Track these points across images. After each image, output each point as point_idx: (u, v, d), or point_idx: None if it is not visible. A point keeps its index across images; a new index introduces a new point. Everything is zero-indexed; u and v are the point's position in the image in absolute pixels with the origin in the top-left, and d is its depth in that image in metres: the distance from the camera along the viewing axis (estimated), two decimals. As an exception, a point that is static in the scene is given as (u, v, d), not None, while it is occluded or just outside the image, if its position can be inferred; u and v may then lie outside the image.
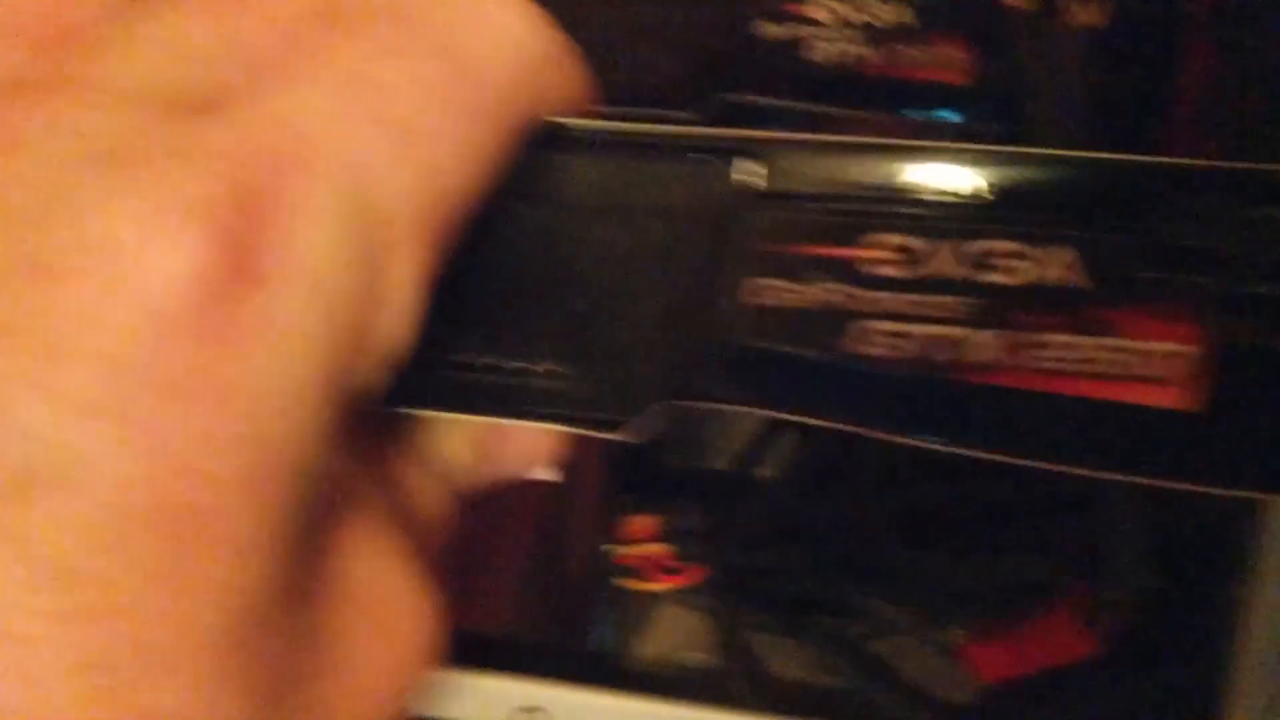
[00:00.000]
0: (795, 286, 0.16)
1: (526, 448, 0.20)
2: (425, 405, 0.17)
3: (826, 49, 0.30)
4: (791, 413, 0.17)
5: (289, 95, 0.13)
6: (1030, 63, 0.27)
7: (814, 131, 0.25)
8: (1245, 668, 0.27)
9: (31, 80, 0.13)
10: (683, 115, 0.32)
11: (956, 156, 0.16)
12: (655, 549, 0.32)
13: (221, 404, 0.12)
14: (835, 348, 0.16)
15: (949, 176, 0.16)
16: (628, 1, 0.31)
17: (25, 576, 0.11)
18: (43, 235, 0.12)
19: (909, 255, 0.16)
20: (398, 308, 0.14)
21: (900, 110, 0.30)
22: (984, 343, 0.16)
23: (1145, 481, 0.16)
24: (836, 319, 0.16)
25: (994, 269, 0.16)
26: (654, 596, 0.33)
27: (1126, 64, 0.28)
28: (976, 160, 0.16)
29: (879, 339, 0.16)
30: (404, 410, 0.17)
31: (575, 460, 0.18)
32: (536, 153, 0.17)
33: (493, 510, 0.24)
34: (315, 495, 0.13)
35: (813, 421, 0.17)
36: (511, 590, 0.33)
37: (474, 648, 0.33)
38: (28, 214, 0.12)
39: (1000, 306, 0.15)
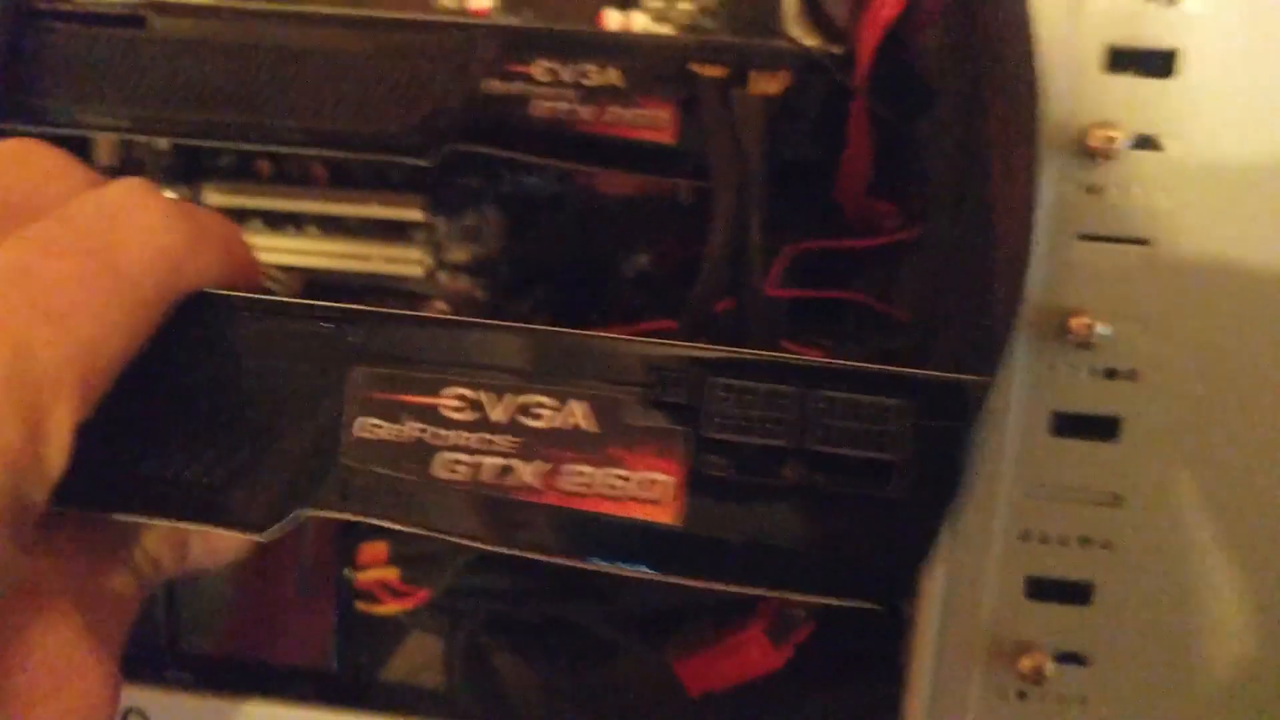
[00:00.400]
0: (395, 425, 0.21)
1: (215, 545, 0.25)
2: (116, 509, 0.22)
3: (545, 105, 0.33)
4: (394, 523, 0.21)
5: None
6: (719, 126, 0.30)
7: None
8: (916, 676, 0.30)
9: None
10: (420, 163, 0.34)
11: (505, 333, 0.22)
12: (385, 573, 0.33)
13: None
14: (424, 474, 0.21)
15: (499, 347, 0.21)
16: (369, 56, 0.33)
17: None
18: None
19: (474, 405, 0.21)
20: (57, 446, 0.18)
21: (610, 165, 0.33)
22: (525, 471, 0.21)
23: (646, 576, 0.21)
24: (424, 451, 0.21)
25: (531, 416, 0.21)
26: (394, 620, 0.35)
27: (800, 130, 0.31)
28: (518, 335, 0.21)
29: (455, 467, 0.21)
30: (96, 512, 0.21)
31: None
32: (198, 312, 0.22)
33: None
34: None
35: (407, 529, 0.22)
36: (258, 616, 0.34)
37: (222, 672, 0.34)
38: None
39: (536, 444, 0.21)
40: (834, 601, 0.21)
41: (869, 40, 0.29)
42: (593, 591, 0.33)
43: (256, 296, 0.22)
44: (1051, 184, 0.28)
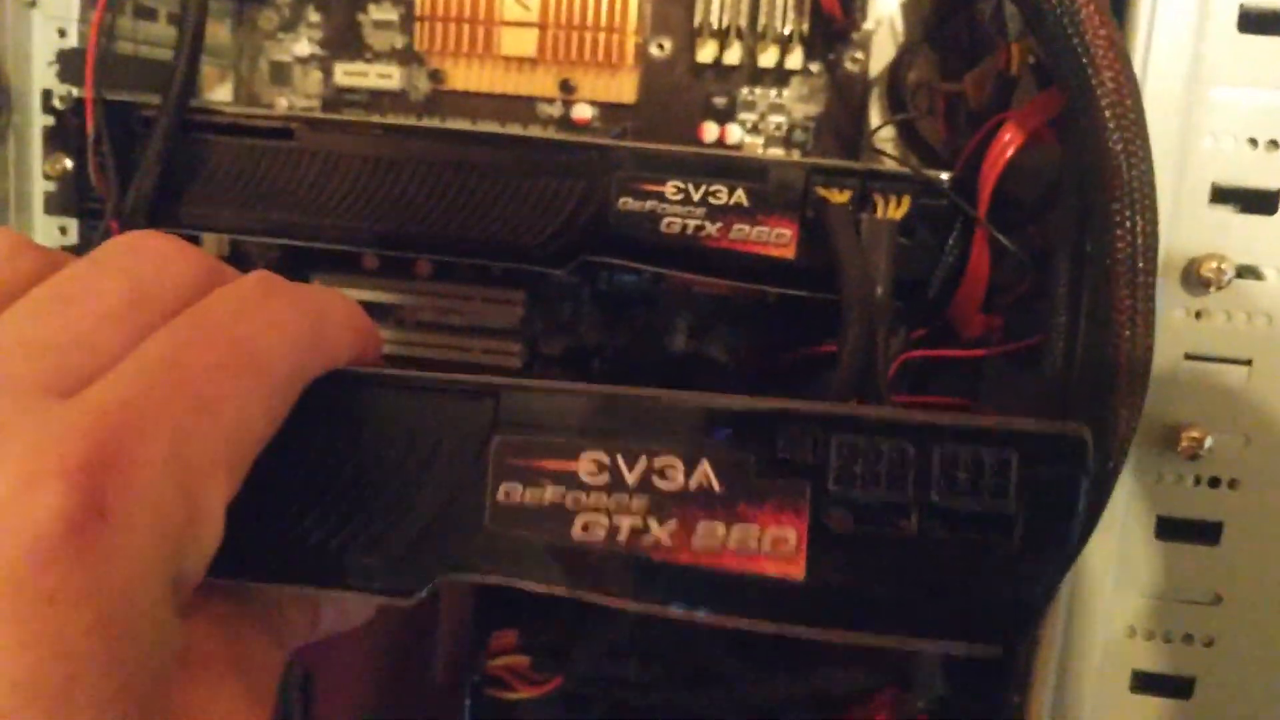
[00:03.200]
0: (535, 490, 0.22)
1: (346, 611, 0.26)
2: (268, 578, 0.23)
3: (674, 222, 0.35)
4: (537, 584, 0.22)
5: (122, 379, 0.19)
6: (848, 247, 0.32)
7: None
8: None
9: None
10: (554, 272, 0.36)
11: (636, 399, 0.23)
12: (515, 660, 0.35)
13: (83, 605, 0.17)
14: (565, 535, 0.22)
15: (631, 413, 0.23)
16: (511, 171, 0.35)
17: None
18: None
19: (608, 469, 0.22)
20: (212, 524, 0.19)
21: (733, 278, 0.35)
22: (660, 531, 0.22)
23: (770, 630, 0.22)
24: (564, 514, 0.22)
25: (663, 477, 0.22)
26: (515, 704, 0.36)
27: (924, 250, 0.33)
28: (649, 401, 0.23)
29: (593, 529, 0.22)
30: (248, 581, 0.23)
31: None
32: (339, 389, 0.23)
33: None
34: (162, 657, 0.18)
35: (547, 590, 0.23)
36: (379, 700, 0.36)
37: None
38: None
39: (668, 504, 0.22)
40: (957, 648, 0.22)
41: (991, 173, 0.32)
42: (714, 681, 0.35)
43: (402, 373, 0.23)
44: (1162, 308, 0.30)
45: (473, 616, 0.35)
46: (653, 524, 0.22)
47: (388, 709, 0.35)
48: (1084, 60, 0.28)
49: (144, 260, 0.22)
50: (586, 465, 0.22)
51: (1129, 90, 0.28)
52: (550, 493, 0.22)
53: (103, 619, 0.17)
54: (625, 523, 0.22)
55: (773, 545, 0.22)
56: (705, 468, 0.22)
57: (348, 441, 0.23)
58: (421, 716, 0.35)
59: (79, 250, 0.40)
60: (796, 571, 0.22)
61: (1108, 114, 0.28)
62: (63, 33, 0.38)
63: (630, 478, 0.22)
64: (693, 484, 0.22)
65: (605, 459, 0.22)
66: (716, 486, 0.22)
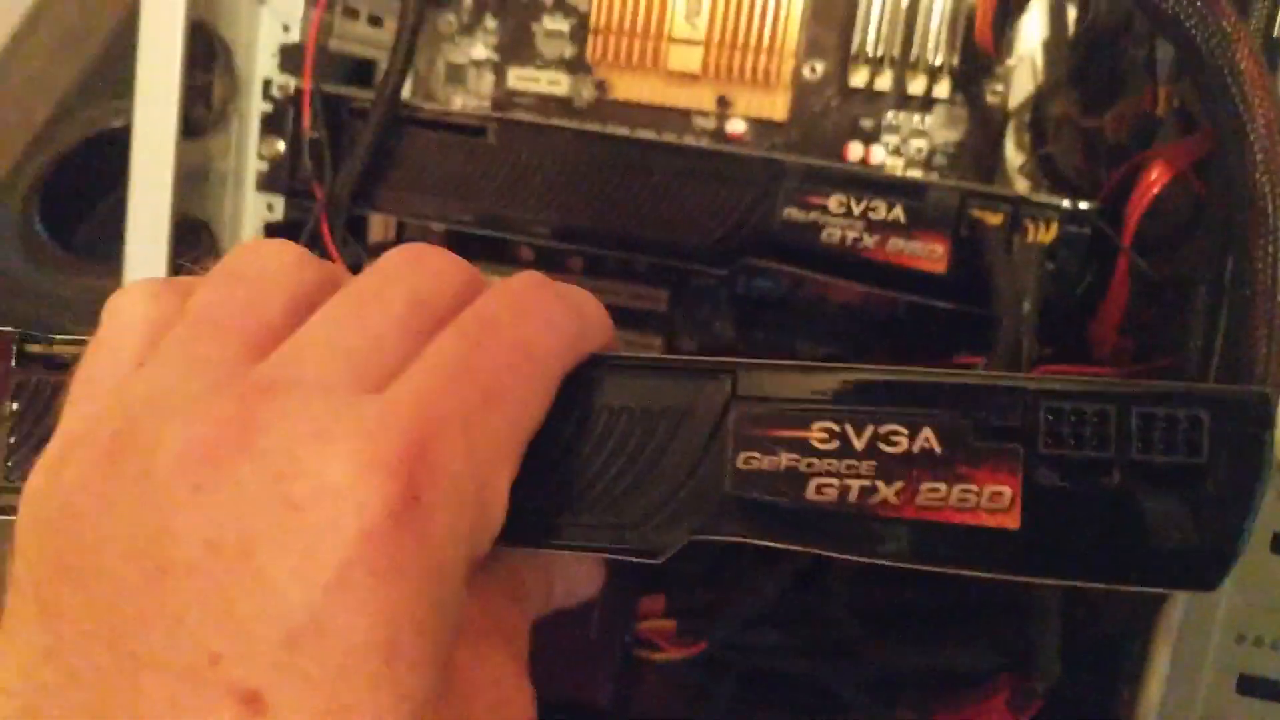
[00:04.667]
0: (771, 457, 0.24)
1: (575, 586, 0.29)
2: (546, 545, 0.25)
3: (835, 233, 0.38)
4: (775, 542, 0.25)
5: (422, 378, 0.21)
6: (1001, 266, 0.35)
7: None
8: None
9: (265, 380, 0.21)
10: (718, 273, 0.39)
11: (863, 373, 0.24)
12: (663, 624, 0.38)
13: (403, 579, 0.19)
14: (799, 498, 0.24)
15: (858, 386, 0.24)
16: (686, 178, 0.39)
17: (300, 692, 0.18)
18: (289, 484, 0.19)
19: (839, 436, 0.24)
20: (499, 504, 0.22)
21: (886, 288, 0.39)
22: (886, 491, 0.24)
23: (989, 577, 0.24)
24: (798, 478, 0.24)
25: (888, 443, 0.24)
26: (661, 665, 0.39)
27: (1066, 273, 0.36)
28: (875, 374, 0.24)
29: (825, 490, 0.24)
30: (527, 548, 0.25)
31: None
32: (594, 373, 0.25)
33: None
34: (457, 626, 0.21)
35: (784, 547, 0.25)
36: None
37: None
38: (280, 471, 0.19)
39: (894, 467, 0.24)
40: (1163, 589, 0.24)
41: (1137, 206, 0.35)
42: (844, 652, 0.38)
43: (651, 356, 0.26)
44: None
45: (629, 579, 0.38)
46: (880, 485, 0.24)
47: (547, 660, 0.39)
48: (1240, 106, 0.31)
49: (421, 271, 0.24)
50: (818, 434, 0.24)
51: (1279, 136, 0.31)
52: (786, 459, 0.24)
53: (419, 590, 0.19)
54: (855, 484, 0.24)
55: (990, 500, 0.23)
56: (927, 433, 0.24)
57: (604, 419, 0.25)
58: (574, 669, 0.38)
59: (283, 227, 0.44)
60: (1012, 523, 0.23)
61: (1258, 156, 0.31)
62: (286, 28, 0.42)
63: (859, 444, 0.24)
64: (916, 448, 0.24)
65: (835, 427, 0.24)
66: (938, 449, 0.24)
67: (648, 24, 0.46)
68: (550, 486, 0.25)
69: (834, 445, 0.24)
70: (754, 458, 0.24)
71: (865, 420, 0.24)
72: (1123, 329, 0.37)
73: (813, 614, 0.38)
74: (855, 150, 0.47)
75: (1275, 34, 0.33)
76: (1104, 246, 0.37)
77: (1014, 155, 0.46)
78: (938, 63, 0.44)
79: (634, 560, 0.25)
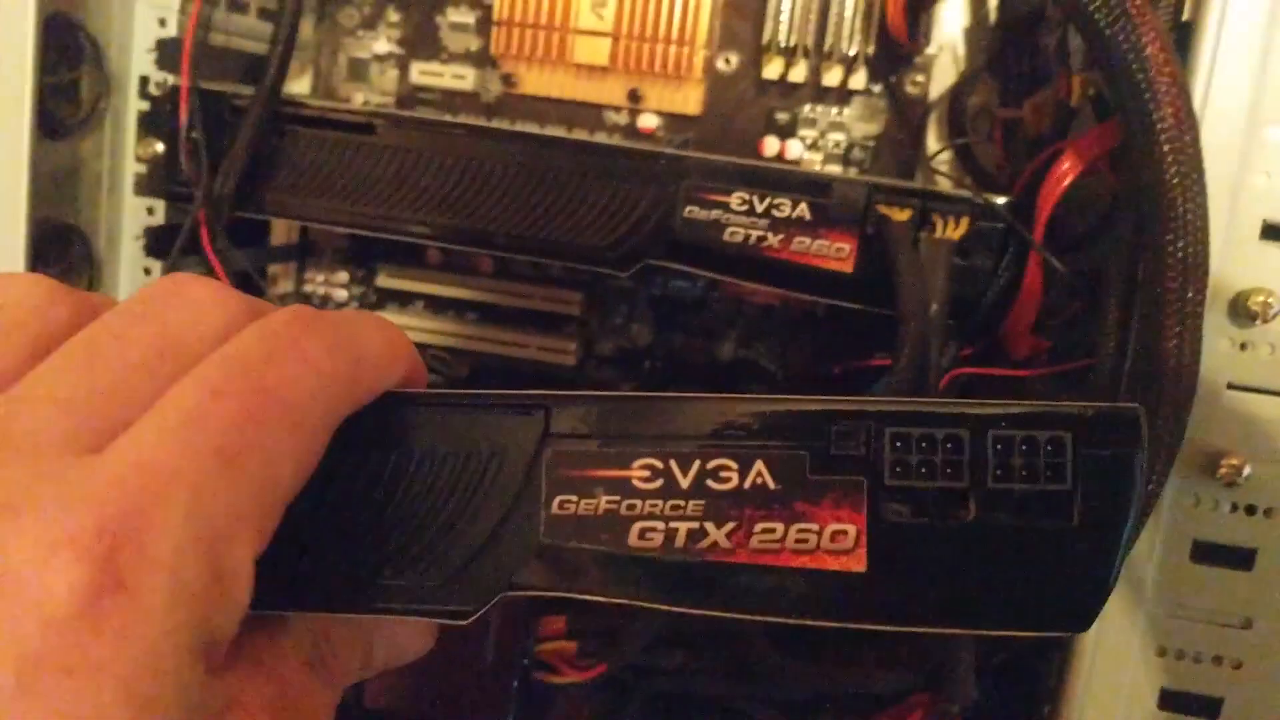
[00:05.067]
0: (589, 500, 0.22)
1: (398, 646, 0.25)
2: (325, 608, 0.22)
3: (738, 232, 0.36)
4: (596, 596, 0.22)
5: (144, 437, 0.18)
6: (908, 264, 0.34)
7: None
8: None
9: None
10: (617, 275, 0.37)
11: (687, 403, 0.22)
12: (563, 645, 0.36)
13: (103, 677, 0.16)
14: (621, 544, 0.22)
15: (682, 417, 0.22)
16: (582, 176, 0.37)
17: None
18: None
19: (662, 474, 0.22)
20: (240, 581, 0.19)
21: (791, 288, 0.37)
22: (716, 533, 0.22)
23: (835, 625, 0.22)
24: (619, 523, 0.22)
25: (717, 479, 0.22)
26: (561, 688, 0.38)
27: (978, 271, 0.35)
28: (699, 404, 0.22)
29: (649, 535, 0.22)
30: (296, 612, 0.22)
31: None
32: (386, 413, 0.22)
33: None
34: (194, 716, 0.18)
35: (607, 601, 0.22)
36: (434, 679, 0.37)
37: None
38: None
39: (724, 506, 0.22)
40: (1027, 634, 0.22)
41: (1048, 200, 0.33)
42: (754, 674, 0.36)
43: (450, 391, 0.23)
44: (1207, 338, 0.31)
45: (524, 601, 0.36)
46: (709, 527, 0.21)
47: (438, 688, 0.37)
48: (1146, 96, 0.29)
49: (176, 306, 0.21)
50: (639, 472, 0.22)
51: (1188, 126, 0.29)
52: (604, 502, 0.22)
53: (125, 689, 0.16)
54: (682, 527, 0.22)
55: (832, 540, 0.21)
56: (760, 467, 0.22)
57: (396, 464, 0.22)
58: (470, 696, 0.36)
59: (165, 231, 0.42)
60: (857, 565, 0.21)
61: (1166, 148, 0.29)
62: (163, 22, 0.40)
63: (684, 482, 0.22)
64: (748, 484, 0.22)
65: (659, 464, 0.22)
66: (772, 485, 0.22)
67: (552, 15, 0.44)
68: (336, 544, 0.22)
69: (657, 484, 0.22)
70: (570, 501, 0.22)
71: (691, 455, 0.22)
72: (1040, 328, 0.35)
73: (722, 634, 0.37)
74: (771, 145, 0.45)
75: (1185, 18, 0.31)
76: (1020, 242, 0.35)
77: (935, 148, 0.44)
78: (852, 53, 0.43)
79: (439, 622, 0.23)
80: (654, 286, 0.47)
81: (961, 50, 0.44)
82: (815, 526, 0.21)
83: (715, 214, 0.36)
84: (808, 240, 0.36)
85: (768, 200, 0.36)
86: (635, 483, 0.22)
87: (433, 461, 0.22)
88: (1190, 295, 0.29)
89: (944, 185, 0.42)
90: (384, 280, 0.48)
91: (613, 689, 0.37)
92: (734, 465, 0.22)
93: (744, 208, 0.36)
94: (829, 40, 0.43)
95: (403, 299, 0.48)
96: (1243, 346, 0.32)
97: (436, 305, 0.48)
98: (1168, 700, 0.34)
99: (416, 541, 0.22)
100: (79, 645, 0.16)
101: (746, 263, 0.37)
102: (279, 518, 0.20)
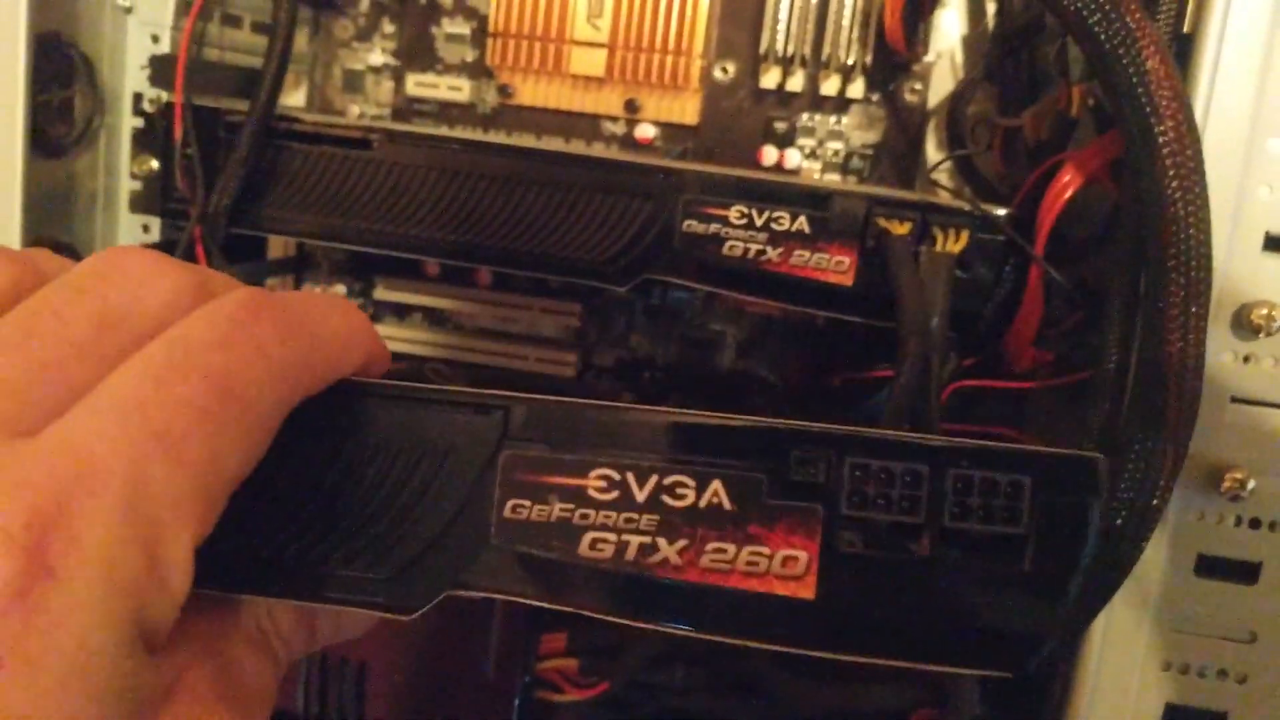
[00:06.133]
0: (543, 507, 0.22)
1: (342, 624, 0.25)
2: (270, 593, 0.22)
3: (736, 245, 0.36)
4: (542, 602, 0.22)
5: (80, 422, 0.18)
6: (908, 278, 0.33)
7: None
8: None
9: None
10: (616, 289, 0.37)
11: (649, 416, 0.22)
12: (564, 663, 0.36)
13: (36, 667, 0.16)
14: (571, 553, 0.22)
15: (643, 431, 0.22)
16: (580, 190, 0.37)
17: None
18: None
19: (618, 486, 0.22)
20: (179, 569, 0.18)
21: (791, 302, 0.36)
22: (668, 549, 0.22)
23: (780, 649, 0.22)
24: (571, 531, 0.22)
25: (673, 496, 0.22)
26: (562, 706, 0.37)
27: (978, 283, 0.34)
28: (662, 419, 0.22)
29: (600, 546, 0.22)
30: (239, 594, 0.22)
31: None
32: (341, 401, 0.22)
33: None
34: (132, 704, 0.18)
35: (552, 607, 0.22)
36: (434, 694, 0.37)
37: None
38: None
39: (678, 523, 0.22)
40: (967, 672, 0.22)
41: (1049, 213, 0.33)
42: (755, 690, 0.36)
43: (407, 385, 0.23)
44: (1211, 351, 0.31)
45: (525, 617, 0.36)
46: (661, 542, 0.22)
47: (439, 704, 0.36)
48: (1147, 108, 0.29)
49: (118, 282, 0.20)
50: (596, 482, 0.22)
51: (1189, 139, 0.29)
52: (558, 509, 0.22)
53: (59, 681, 0.16)
54: (634, 541, 0.22)
55: (783, 565, 0.21)
56: (717, 487, 0.22)
57: (349, 454, 0.22)
58: (472, 713, 0.36)
59: (160, 249, 0.42)
60: (806, 592, 0.21)
61: (1167, 161, 0.29)
62: (156, 39, 0.40)
63: (640, 495, 0.22)
64: (703, 503, 0.22)
65: (616, 476, 0.22)
66: (728, 506, 0.22)
67: (548, 26, 0.44)
68: (284, 530, 0.22)
69: (613, 496, 0.22)
70: (523, 506, 0.22)
71: (649, 469, 0.22)
72: (1042, 341, 0.35)
73: (724, 652, 0.36)
74: (770, 154, 0.45)
75: (1185, 30, 0.31)
76: (1021, 254, 0.35)
77: (934, 157, 0.44)
78: (850, 61, 0.42)
79: (383, 615, 0.22)
80: (652, 298, 0.47)
81: (960, 58, 0.43)
82: (767, 551, 0.21)
83: (714, 228, 0.36)
84: (807, 254, 0.36)
85: (766, 214, 0.36)
86: (590, 492, 0.22)
87: (386, 455, 0.22)
88: (1193, 309, 0.29)
89: (943, 195, 0.42)
90: (382, 293, 0.48)
91: (614, 707, 0.37)
92: (691, 483, 0.22)
93: (743, 221, 0.36)
94: (827, 49, 0.43)
95: (401, 311, 0.48)
96: (1246, 359, 0.32)
97: (434, 317, 0.48)
98: (1173, 715, 0.33)
99: (365, 533, 0.22)
100: (10, 637, 0.16)
101: (746, 277, 0.36)
102: (223, 505, 0.19)
